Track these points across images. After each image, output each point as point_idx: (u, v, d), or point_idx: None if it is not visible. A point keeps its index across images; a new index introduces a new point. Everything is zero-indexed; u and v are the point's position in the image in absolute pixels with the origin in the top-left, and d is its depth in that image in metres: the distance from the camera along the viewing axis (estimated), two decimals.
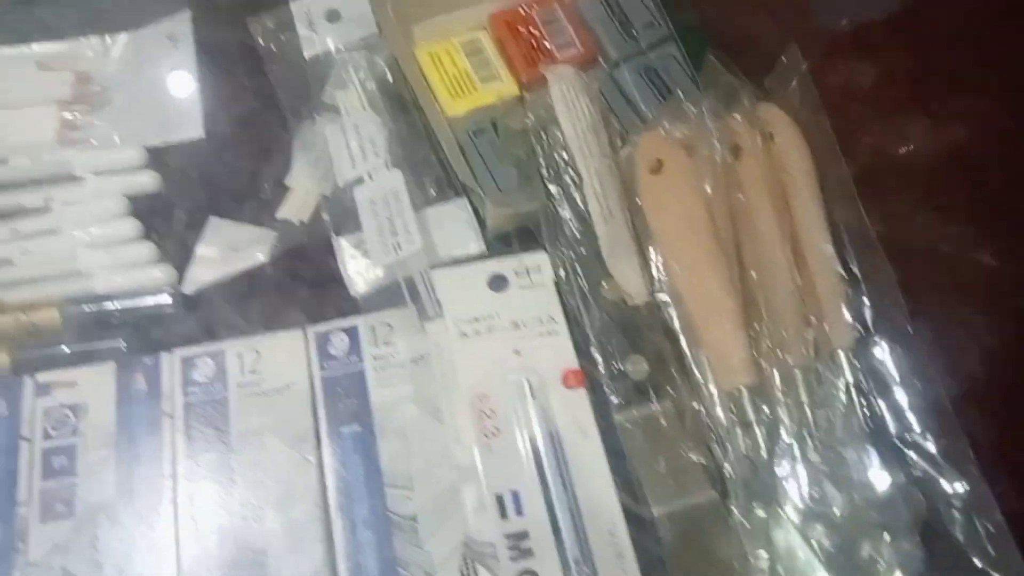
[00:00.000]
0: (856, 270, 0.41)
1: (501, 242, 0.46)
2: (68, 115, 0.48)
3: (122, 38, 0.50)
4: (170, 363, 0.41)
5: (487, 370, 0.40)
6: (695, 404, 0.39)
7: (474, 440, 0.38)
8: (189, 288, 0.45)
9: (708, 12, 0.54)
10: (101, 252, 0.45)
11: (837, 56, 0.47)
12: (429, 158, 0.49)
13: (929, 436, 0.38)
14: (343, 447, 0.39)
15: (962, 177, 0.42)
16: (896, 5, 0.46)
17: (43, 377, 0.41)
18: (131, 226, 0.46)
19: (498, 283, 0.43)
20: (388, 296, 0.44)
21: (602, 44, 0.53)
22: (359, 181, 0.47)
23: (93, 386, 0.40)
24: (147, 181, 0.47)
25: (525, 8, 0.53)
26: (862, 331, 0.40)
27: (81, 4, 0.51)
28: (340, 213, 0.47)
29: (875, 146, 0.45)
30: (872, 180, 0.43)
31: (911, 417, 0.39)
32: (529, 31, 0.53)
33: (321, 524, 0.38)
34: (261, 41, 0.52)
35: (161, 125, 0.49)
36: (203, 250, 0.46)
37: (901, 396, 0.39)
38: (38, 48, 0.50)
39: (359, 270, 0.45)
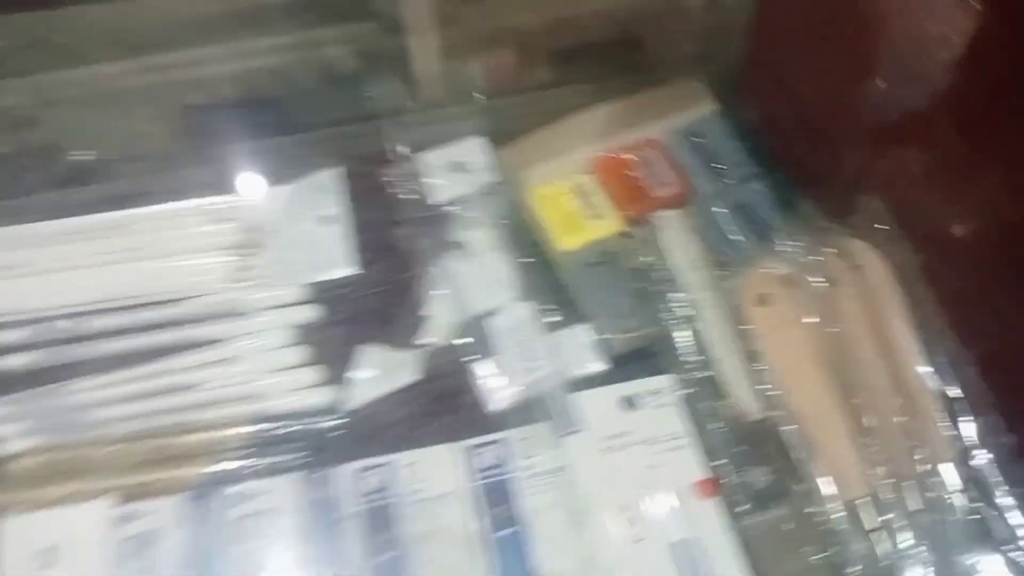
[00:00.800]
0: (953, 387, 0.46)
1: (623, 361, 0.52)
2: (237, 259, 0.56)
3: (284, 189, 0.59)
4: (342, 476, 0.47)
5: (626, 482, 0.45)
6: (814, 510, 0.44)
7: (619, 549, 0.43)
8: (350, 407, 0.51)
9: (773, 110, 0.60)
10: (273, 377, 0.52)
11: (892, 143, 0.52)
12: (551, 287, 0.55)
13: None
14: (500, 550, 0.44)
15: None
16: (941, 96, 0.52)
17: (231, 490, 0.47)
18: (297, 353, 0.53)
19: (627, 403, 0.49)
20: (524, 413, 0.50)
21: (696, 182, 0.60)
22: (491, 312, 0.54)
23: (276, 498, 0.46)
24: (307, 314, 0.54)
25: (625, 153, 0.61)
26: (964, 443, 0.45)
27: (250, 162, 0.60)
28: (475, 339, 0.53)
29: (932, 228, 0.50)
30: (931, 262, 0.48)
31: (1017, 524, 0.43)
32: (629, 173, 0.60)
33: None
34: (398, 190, 0.60)
35: (317, 264, 0.56)
36: (359, 373, 0.52)
37: (1006, 503, 0.43)
38: (212, 201, 0.58)
39: (495, 390, 0.51)
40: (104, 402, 0.50)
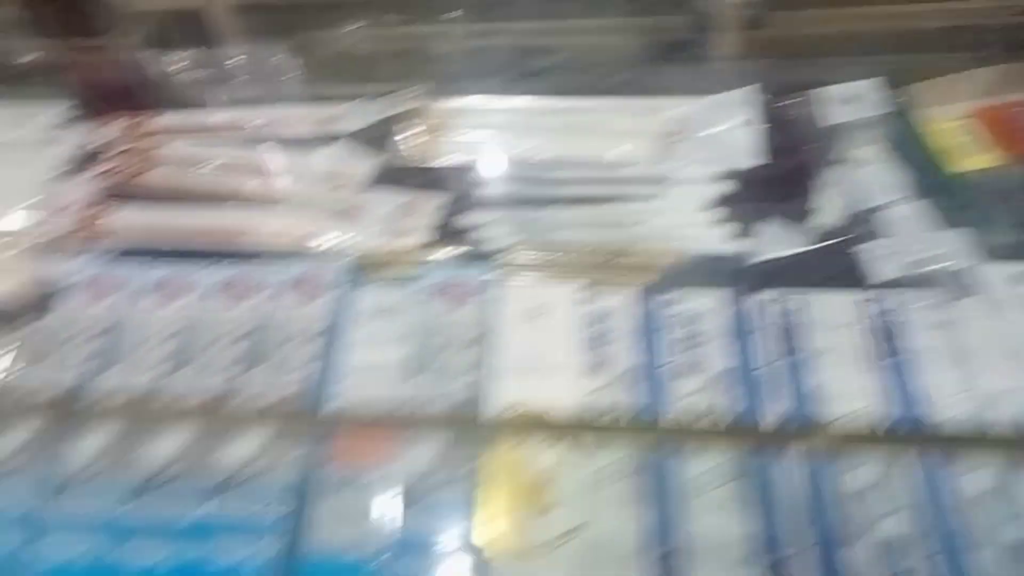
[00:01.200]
0: None
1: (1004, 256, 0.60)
2: (669, 144, 0.71)
3: (709, 99, 0.73)
4: (753, 301, 0.60)
5: (1010, 340, 0.55)
6: None
7: (1001, 384, 0.53)
8: (757, 258, 0.64)
9: None
10: (695, 228, 0.66)
11: None
12: (936, 200, 0.65)
13: None
14: (886, 373, 0.55)
15: None
16: None
17: (664, 297, 0.61)
18: (715, 215, 0.66)
19: (1015, 279, 0.57)
20: (912, 281, 0.60)
21: None
22: (879, 209, 0.64)
23: (702, 305, 0.60)
24: (724, 187, 0.68)
25: (1007, 107, 0.70)
26: None
27: (685, 76, 0.76)
28: (861, 228, 0.64)
29: None
30: None
31: None
32: (1011, 123, 0.69)
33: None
34: (802, 112, 0.72)
35: (730, 155, 0.70)
36: (763, 238, 0.65)
37: None
38: (656, 101, 0.74)
39: (878, 266, 0.62)
40: (568, 225, 0.67)
